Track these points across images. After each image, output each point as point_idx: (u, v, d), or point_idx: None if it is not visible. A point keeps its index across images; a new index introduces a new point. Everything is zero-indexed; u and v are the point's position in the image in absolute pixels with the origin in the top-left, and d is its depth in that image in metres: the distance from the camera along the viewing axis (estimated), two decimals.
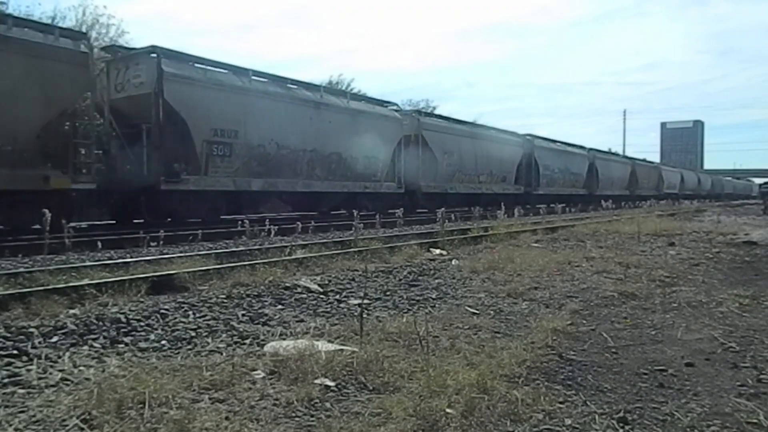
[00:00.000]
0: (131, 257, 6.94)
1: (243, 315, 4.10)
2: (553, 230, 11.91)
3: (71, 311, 3.94)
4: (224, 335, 3.56)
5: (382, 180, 17.98)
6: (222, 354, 3.12)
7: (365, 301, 4.33)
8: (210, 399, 2.46)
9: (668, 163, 69.69)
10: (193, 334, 3.57)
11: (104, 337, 3.42)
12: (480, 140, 23.25)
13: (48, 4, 74.76)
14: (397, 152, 18.49)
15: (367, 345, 3.17)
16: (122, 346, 3.30)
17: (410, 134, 19.22)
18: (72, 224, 8.40)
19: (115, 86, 12.08)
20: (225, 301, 4.48)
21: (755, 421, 2.37)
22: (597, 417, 2.40)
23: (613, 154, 41.06)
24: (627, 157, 43.01)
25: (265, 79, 14.37)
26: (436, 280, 5.80)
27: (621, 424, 2.34)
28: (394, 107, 19.62)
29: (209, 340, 3.45)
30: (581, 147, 34.02)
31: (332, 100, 16.36)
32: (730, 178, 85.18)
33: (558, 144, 31.33)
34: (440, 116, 23.08)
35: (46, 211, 7.70)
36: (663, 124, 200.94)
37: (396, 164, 18.48)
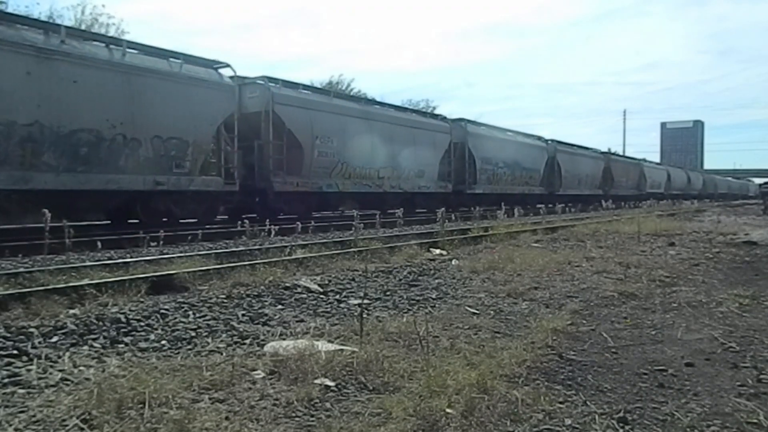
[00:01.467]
0: (131, 257, 6.94)
1: (243, 315, 4.10)
2: (553, 230, 11.91)
3: (71, 311, 3.94)
4: (224, 335, 3.56)
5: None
6: (222, 354, 3.12)
7: (365, 301, 4.33)
8: (210, 399, 2.46)
9: (670, 162, 68.01)
10: (193, 334, 3.57)
11: (104, 337, 3.42)
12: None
13: (45, 2, 74.40)
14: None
15: (367, 345, 3.16)
16: (122, 346, 3.30)
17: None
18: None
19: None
20: (225, 301, 4.49)
21: (755, 421, 2.37)
22: (597, 417, 2.40)
23: (583, 147, 34.02)
24: (601, 152, 36.71)
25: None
26: (436, 280, 5.81)
27: (621, 424, 2.34)
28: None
29: (209, 340, 3.45)
30: (538, 138, 28.89)
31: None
32: (724, 178, 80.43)
33: (507, 133, 26.05)
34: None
35: (46, 211, 7.71)
36: (663, 124, 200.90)
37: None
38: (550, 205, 21.33)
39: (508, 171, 24.92)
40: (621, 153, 55.73)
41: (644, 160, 46.27)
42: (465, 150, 21.92)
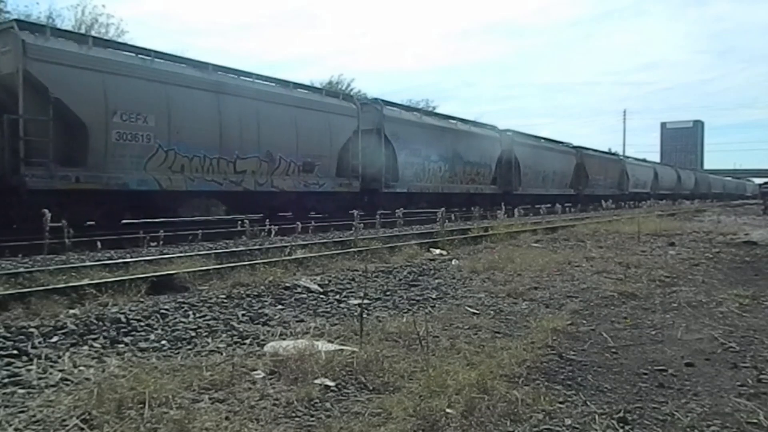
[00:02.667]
0: (131, 257, 6.94)
1: (243, 315, 4.10)
2: (553, 230, 11.92)
3: (71, 311, 3.94)
4: (224, 335, 3.56)
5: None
6: (222, 354, 3.12)
7: (365, 301, 4.33)
8: (210, 399, 2.46)
9: (670, 161, 65.69)
10: (193, 334, 3.57)
11: (104, 337, 3.42)
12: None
13: (44, 2, 74.59)
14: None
15: (367, 345, 3.16)
16: (122, 346, 3.30)
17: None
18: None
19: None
20: (225, 301, 4.48)
21: (755, 421, 2.37)
22: (597, 417, 2.40)
23: (550, 140, 29.98)
24: (573, 146, 32.04)
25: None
26: (436, 280, 5.80)
27: (621, 424, 2.34)
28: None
29: (209, 340, 3.45)
30: (491, 127, 25.23)
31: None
32: (718, 177, 75.80)
33: (446, 120, 22.52)
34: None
35: (46, 210, 7.72)
36: (663, 124, 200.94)
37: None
38: (509, 207, 18.34)
39: (445, 166, 20.87)
40: (621, 153, 53.72)
41: (628, 156, 43.49)
42: (381, 137, 17.74)
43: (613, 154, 40.30)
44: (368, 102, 18.82)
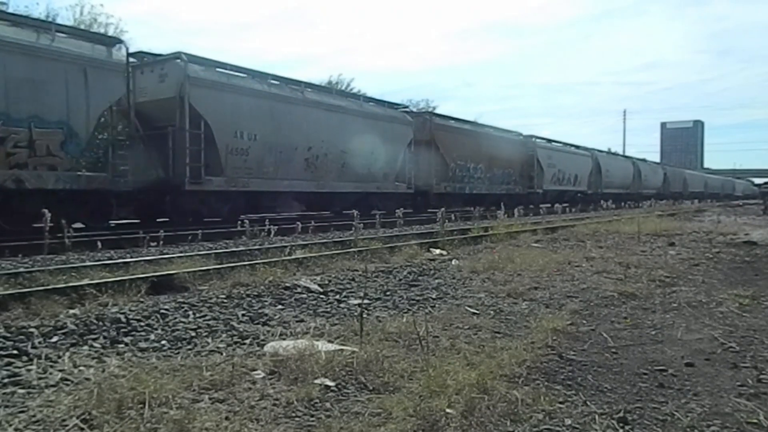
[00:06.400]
0: (131, 257, 6.94)
1: (243, 315, 4.10)
2: (553, 230, 11.91)
3: (71, 311, 3.94)
4: (224, 335, 3.56)
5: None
6: (222, 354, 3.12)
7: (365, 301, 4.34)
8: (210, 399, 2.46)
9: (669, 162, 60.35)
10: (193, 334, 3.57)
11: (104, 337, 3.42)
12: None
13: (42, 2, 74.35)
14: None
15: (367, 345, 3.16)
16: (122, 346, 3.30)
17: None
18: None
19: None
20: (225, 301, 4.48)
21: (755, 421, 2.37)
22: (597, 417, 2.40)
23: (499, 129, 25.90)
24: (524, 136, 27.20)
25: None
26: (436, 280, 5.80)
27: (621, 424, 2.34)
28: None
29: (209, 340, 3.45)
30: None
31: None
32: (695, 173, 65.11)
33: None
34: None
35: (46, 210, 7.72)
36: (663, 124, 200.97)
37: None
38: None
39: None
40: (621, 153, 50.54)
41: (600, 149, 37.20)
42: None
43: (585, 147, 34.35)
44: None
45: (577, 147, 33.69)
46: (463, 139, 22.13)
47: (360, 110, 17.35)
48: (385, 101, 19.92)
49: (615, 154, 44.06)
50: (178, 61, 12.12)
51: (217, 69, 13.11)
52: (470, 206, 19.62)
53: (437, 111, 31.99)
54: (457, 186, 21.70)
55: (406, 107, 22.20)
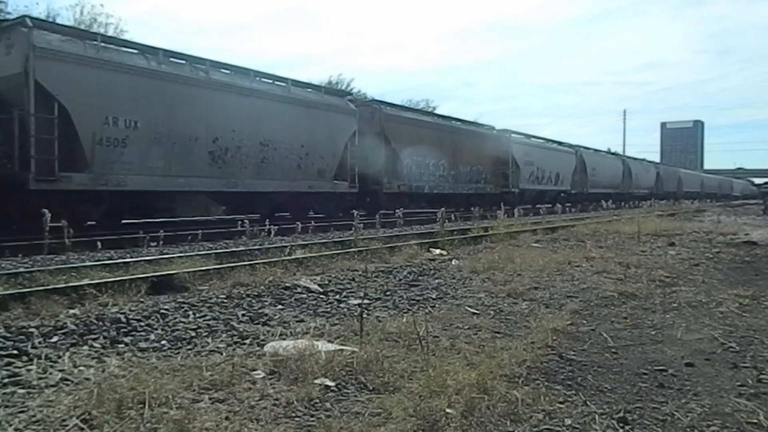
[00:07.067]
0: (131, 257, 6.94)
1: (243, 315, 4.10)
2: (553, 230, 11.91)
3: (71, 311, 3.94)
4: (224, 335, 3.56)
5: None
6: (222, 354, 3.12)
7: (365, 301, 4.33)
8: (210, 399, 2.46)
9: (670, 161, 57.79)
10: (193, 334, 3.57)
11: (104, 337, 3.42)
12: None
13: (42, 2, 74.40)
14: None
15: (367, 345, 3.16)
16: (122, 346, 3.30)
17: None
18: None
19: None
20: (225, 301, 4.48)
21: (755, 421, 2.37)
22: (597, 417, 2.40)
23: (472, 123, 24.44)
24: (496, 130, 25.58)
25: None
26: (436, 280, 5.80)
27: (621, 424, 2.34)
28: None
29: (209, 340, 3.45)
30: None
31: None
32: (691, 172, 62.57)
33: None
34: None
35: (46, 210, 7.73)
36: (663, 124, 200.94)
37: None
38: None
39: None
40: (621, 153, 49.73)
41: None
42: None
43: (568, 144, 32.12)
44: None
45: (560, 143, 30.79)
46: (421, 133, 19.43)
47: (287, 96, 14.48)
48: (322, 86, 17.83)
49: (602, 151, 39.30)
50: (23, 28, 9.63)
51: (86, 41, 10.63)
52: (433, 207, 16.77)
53: (437, 111, 31.61)
54: (414, 185, 18.96)
55: (350, 95, 20.13)
